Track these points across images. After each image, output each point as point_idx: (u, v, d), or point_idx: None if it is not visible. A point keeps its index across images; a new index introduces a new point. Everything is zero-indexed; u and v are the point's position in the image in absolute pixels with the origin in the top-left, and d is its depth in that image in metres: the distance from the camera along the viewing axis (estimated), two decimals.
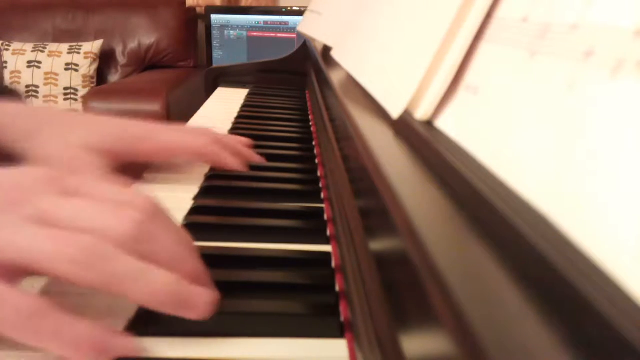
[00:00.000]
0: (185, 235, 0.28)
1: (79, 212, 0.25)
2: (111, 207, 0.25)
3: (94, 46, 2.16)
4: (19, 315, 0.22)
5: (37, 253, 0.23)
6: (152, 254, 0.25)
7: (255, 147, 0.56)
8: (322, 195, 0.44)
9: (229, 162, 0.46)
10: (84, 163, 0.40)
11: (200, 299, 0.24)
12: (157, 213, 0.27)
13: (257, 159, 0.50)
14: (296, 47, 0.97)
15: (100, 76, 2.23)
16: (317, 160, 0.54)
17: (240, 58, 2.26)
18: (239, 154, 0.48)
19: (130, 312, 0.26)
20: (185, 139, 0.45)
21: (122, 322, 0.25)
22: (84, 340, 0.22)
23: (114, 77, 2.27)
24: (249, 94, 0.88)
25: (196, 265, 0.27)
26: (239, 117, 0.71)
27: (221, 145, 0.46)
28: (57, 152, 0.40)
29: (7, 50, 2.14)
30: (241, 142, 0.51)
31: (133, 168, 0.46)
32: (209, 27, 2.27)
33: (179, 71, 2.26)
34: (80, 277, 0.23)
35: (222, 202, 0.41)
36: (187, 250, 0.27)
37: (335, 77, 0.50)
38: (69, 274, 0.22)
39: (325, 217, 0.40)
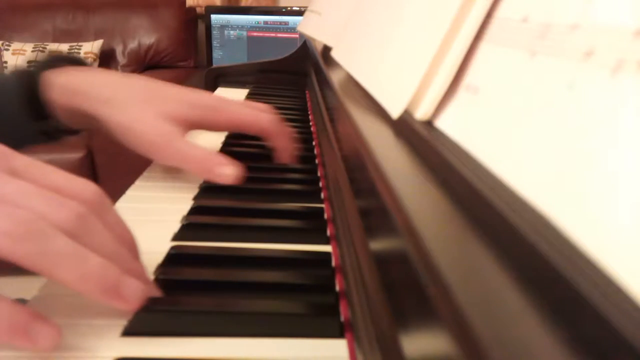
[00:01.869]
0: (128, 234, 0.28)
1: (21, 193, 0.24)
2: (54, 196, 0.25)
3: (94, 46, 2.16)
4: (19, 223, 0.22)
5: None
6: (92, 246, 0.24)
7: (256, 147, 0.56)
8: (322, 195, 0.44)
9: (288, 146, 0.48)
10: (164, 131, 0.41)
11: (130, 290, 0.24)
12: (102, 208, 0.26)
13: (294, 161, 0.51)
14: (297, 47, 0.97)
15: None
16: (317, 160, 0.54)
17: (240, 58, 2.26)
18: (291, 145, 0.49)
19: (128, 313, 0.26)
20: (255, 113, 0.47)
21: (119, 323, 0.25)
22: (4, 321, 0.22)
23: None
24: (249, 94, 0.88)
25: (134, 265, 0.27)
26: None
27: (283, 129, 0.48)
28: (138, 119, 0.41)
29: (7, 50, 2.14)
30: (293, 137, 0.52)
31: (133, 168, 0.46)
32: (209, 27, 2.27)
33: (179, 71, 2.26)
34: (11, 251, 0.22)
35: (222, 202, 0.41)
36: (126, 249, 0.27)
37: (335, 77, 0.50)
38: (3, 248, 0.22)
39: (325, 217, 0.40)
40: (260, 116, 0.47)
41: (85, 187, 0.26)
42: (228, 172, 0.40)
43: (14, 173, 0.25)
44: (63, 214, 0.24)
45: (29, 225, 0.22)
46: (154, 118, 0.41)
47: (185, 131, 0.43)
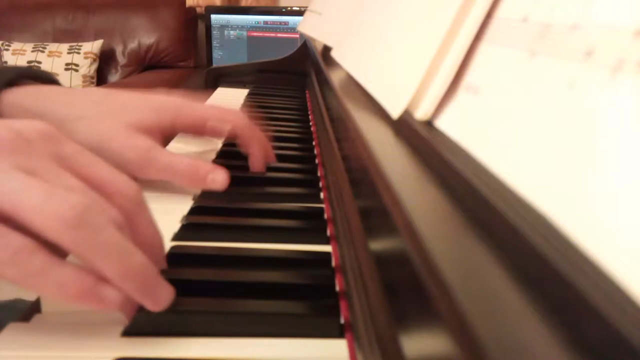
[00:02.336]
0: (159, 237, 0.29)
1: (70, 185, 0.24)
2: (111, 182, 0.25)
3: (94, 46, 2.17)
4: (5, 250, 0.21)
5: (21, 200, 0.22)
6: (138, 235, 0.25)
7: None
8: (322, 196, 0.44)
9: (257, 150, 0.45)
10: (142, 147, 0.40)
11: (164, 293, 0.25)
12: (141, 207, 0.27)
13: (274, 160, 0.49)
14: (297, 47, 0.97)
15: (100, 76, 2.23)
16: (317, 160, 0.54)
17: (240, 58, 2.26)
18: (264, 147, 0.47)
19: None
20: (224, 111, 0.45)
21: (119, 323, 0.25)
22: (69, 282, 0.22)
23: (114, 77, 2.27)
24: (249, 94, 0.88)
25: (164, 263, 0.28)
26: None
27: (253, 129, 0.46)
28: (111, 137, 0.40)
29: (7, 50, 2.14)
30: (266, 137, 0.50)
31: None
32: (209, 27, 2.27)
33: (179, 71, 2.26)
34: (60, 235, 0.22)
35: (222, 202, 0.41)
36: (163, 248, 0.28)
37: (335, 77, 0.50)
38: (52, 230, 0.22)
39: (325, 217, 0.40)
40: (228, 114, 0.46)
41: (128, 183, 0.27)
42: (219, 178, 0.40)
43: (63, 159, 0.25)
44: (116, 200, 0.25)
45: (83, 211, 0.22)
46: (126, 134, 0.40)
47: (160, 140, 0.42)
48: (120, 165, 0.38)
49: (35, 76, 0.44)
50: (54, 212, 0.22)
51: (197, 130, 0.46)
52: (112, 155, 0.39)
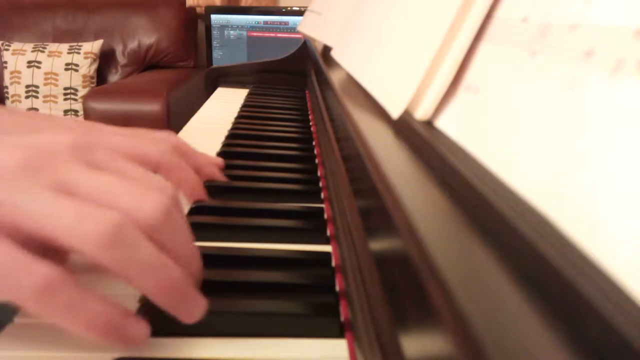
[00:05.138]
0: (191, 238, 0.28)
1: (105, 186, 0.23)
2: (140, 187, 0.24)
3: (94, 46, 2.16)
4: (33, 285, 0.21)
5: (54, 223, 0.21)
6: (171, 244, 0.24)
7: (256, 147, 0.56)
8: (322, 195, 0.44)
9: (186, 181, 0.38)
10: None
11: (197, 307, 0.24)
12: (179, 203, 0.26)
13: (222, 179, 0.43)
14: (297, 47, 0.97)
15: (100, 76, 2.23)
16: (317, 160, 0.54)
17: (240, 58, 2.26)
18: (201, 170, 0.41)
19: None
20: (139, 145, 0.34)
21: None
22: (97, 319, 0.22)
23: (114, 77, 2.27)
24: (249, 94, 0.88)
25: (200, 265, 0.27)
26: (239, 117, 0.71)
27: (180, 154, 0.38)
28: None
29: (7, 50, 2.14)
30: (208, 160, 0.43)
31: None
32: (209, 27, 2.27)
33: (179, 71, 2.26)
34: (96, 255, 0.21)
35: (222, 202, 0.41)
36: (196, 248, 0.27)
37: (335, 77, 0.50)
38: (89, 251, 0.21)
39: (325, 217, 0.40)
40: (147, 149, 0.34)
41: (165, 185, 0.26)
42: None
43: (94, 166, 0.25)
44: (151, 208, 0.23)
45: (117, 230, 0.22)
46: None
47: None
48: None
49: None
50: (88, 233, 0.21)
51: None
52: None
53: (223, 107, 0.79)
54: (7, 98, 2.14)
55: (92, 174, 0.24)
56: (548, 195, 0.15)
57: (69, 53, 2.13)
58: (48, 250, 0.22)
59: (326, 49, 0.67)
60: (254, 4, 2.37)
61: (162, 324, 0.25)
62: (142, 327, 0.23)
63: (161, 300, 0.23)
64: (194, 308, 0.24)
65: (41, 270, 0.21)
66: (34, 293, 0.21)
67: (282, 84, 0.96)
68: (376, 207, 0.23)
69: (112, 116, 1.79)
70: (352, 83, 0.43)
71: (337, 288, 0.30)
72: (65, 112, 2.12)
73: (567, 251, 0.13)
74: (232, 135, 0.61)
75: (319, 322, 0.27)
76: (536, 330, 0.12)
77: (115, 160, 0.26)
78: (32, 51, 2.13)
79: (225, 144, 0.56)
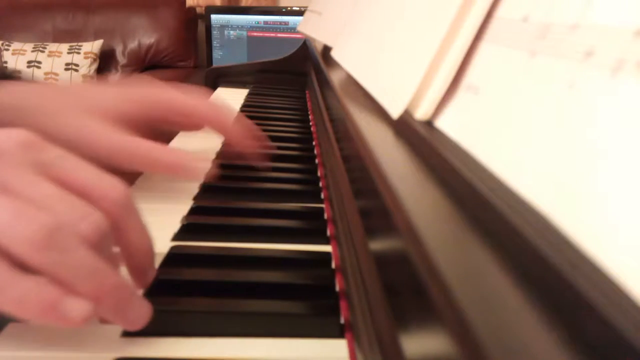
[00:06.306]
0: (148, 241, 0.27)
1: (45, 196, 0.23)
2: (78, 202, 0.23)
3: (94, 46, 2.17)
4: None
5: None
6: (115, 250, 0.24)
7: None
8: (322, 195, 0.44)
9: (235, 131, 0.45)
10: (118, 137, 0.38)
11: (138, 314, 0.24)
12: (128, 210, 0.26)
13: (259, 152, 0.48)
14: (297, 47, 0.97)
15: (101, 76, 2.23)
16: (317, 160, 0.54)
17: (240, 58, 2.26)
18: (248, 137, 0.47)
19: None
20: (192, 98, 0.44)
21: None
22: (29, 298, 0.21)
23: (114, 77, 2.27)
24: (249, 94, 0.88)
25: (154, 269, 0.27)
26: None
27: (226, 111, 0.46)
28: (76, 123, 0.37)
29: (7, 50, 2.14)
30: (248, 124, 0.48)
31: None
32: (209, 27, 2.27)
33: (179, 71, 2.26)
34: (30, 257, 0.21)
35: (222, 202, 0.41)
36: (152, 253, 0.27)
37: (335, 77, 0.50)
38: (21, 251, 0.21)
39: (325, 217, 0.40)
40: (199, 102, 0.44)
41: (114, 186, 0.25)
42: (204, 167, 0.39)
43: (42, 166, 0.24)
44: (85, 223, 0.23)
45: (51, 232, 0.21)
46: (101, 124, 0.38)
47: (136, 131, 0.40)
48: (102, 157, 0.37)
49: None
50: (21, 233, 0.21)
51: (172, 116, 0.45)
52: (91, 147, 0.37)
53: None
54: None
55: (37, 180, 0.23)
56: (548, 195, 0.15)
57: (69, 53, 2.13)
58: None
59: (326, 49, 0.67)
60: (254, 4, 2.37)
61: (163, 323, 0.25)
62: (82, 307, 0.22)
63: (101, 307, 0.22)
64: (135, 315, 0.24)
65: None
66: None
67: (282, 84, 0.96)
68: (376, 207, 0.23)
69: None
70: (352, 83, 0.43)
71: (337, 288, 0.30)
72: None
73: (567, 251, 0.13)
74: None
75: (319, 322, 0.27)
76: (536, 330, 0.12)
77: (65, 160, 0.25)
78: (32, 51, 2.13)
79: (225, 144, 0.56)
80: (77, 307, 0.21)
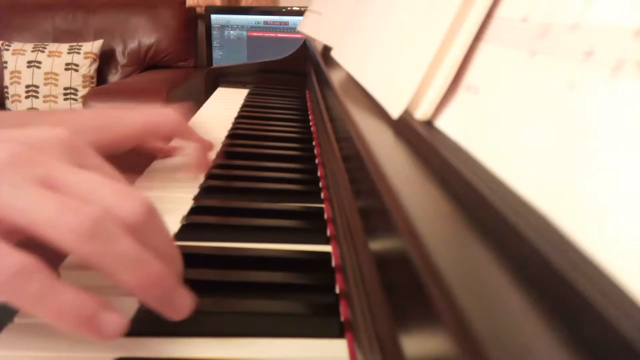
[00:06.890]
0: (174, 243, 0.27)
1: (89, 183, 0.24)
2: (123, 187, 0.24)
3: (94, 46, 2.16)
4: (4, 271, 0.21)
5: (35, 215, 0.21)
6: (153, 244, 0.24)
7: (256, 147, 0.56)
8: (322, 195, 0.44)
9: (199, 139, 0.48)
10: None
11: (183, 302, 0.24)
12: (157, 212, 0.26)
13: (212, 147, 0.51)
14: (297, 47, 0.97)
15: (100, 76, 2.22)
16: (317, 160, 0.54)
17: (240, 58, 2.26)
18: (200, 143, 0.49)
19: (130, 312, 0.26)
20: (153, 117, 0.45)
21: None
22: (68, 309, 0.21)
23: (114, 77, 2.27)
24: (249, 94, 0.88)
25: (181, 266, 0.26)
26: (239, 117, 0.71)
27: (188, 127, 0.48)
28: None
29: (7, 50, 2.14)
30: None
31: (133, 168, 0.45)
32: (209, 27, 2.27)
33: (179, 71, 2.26)
34: (76, 248, 0.21)
35: (222, 202, 0.41)
36: (178, 250, 0.26)
37: (335, 77, 0.50)
38: (68, 243, 0.21)
39: (325, 217, 0.40)
40: (161, 119, 0.46)
41: (141, 202, 0.25)
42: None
43: (80, 164, 0.25)
44: (134, 207, 0.23)
45: (96, 223, 0.22)
46: None
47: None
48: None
49: None
50: (68, 224, 0.21)
51: (137, 139, 0.45)
52: None
53: (223, 107, 0.79)
54: (7, 98, 2.14)
55: (78, 171, 0.24)
56: (548, 195, 0.15)
57: (69, 53, 2.13)
58: (46, 251, 0.22)
59: (326, 49, 0.67)
60: (254, 4, 2.37)
61: (163, 323, 0.25)
62: (117, 321, 0.22)
63: (146, 296, 0.23)
64: (180, 304, 0.24)
65: (15, 257, 0.21)
66: (6, 278, 0.21)
67: (282, 84, 0.96)
68: (376, 207, 0.23)
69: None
70: (352, 83, 0.43)
71: (337, 288, 0.30)
72: None
73: (567, 251, 0.13)
74: (232, 135, 0.61)
75: (319, 322, 0.27)
76: (536, 330, 0.12)
77: (103, 165, 0.27)
78: (32, 51, 2.13)
79: (225, 144, 0.56)
80: (112, 322, 0.22)
